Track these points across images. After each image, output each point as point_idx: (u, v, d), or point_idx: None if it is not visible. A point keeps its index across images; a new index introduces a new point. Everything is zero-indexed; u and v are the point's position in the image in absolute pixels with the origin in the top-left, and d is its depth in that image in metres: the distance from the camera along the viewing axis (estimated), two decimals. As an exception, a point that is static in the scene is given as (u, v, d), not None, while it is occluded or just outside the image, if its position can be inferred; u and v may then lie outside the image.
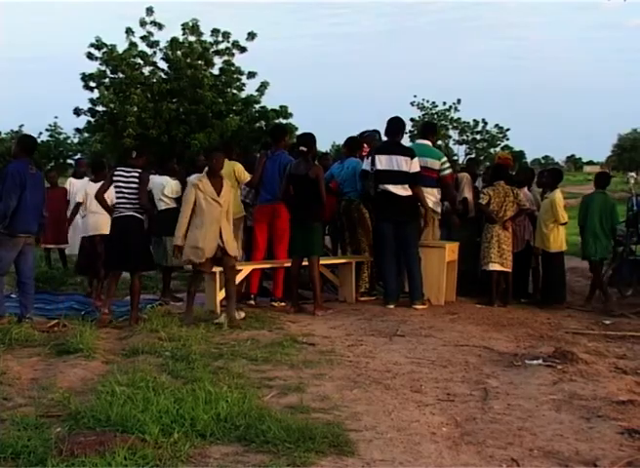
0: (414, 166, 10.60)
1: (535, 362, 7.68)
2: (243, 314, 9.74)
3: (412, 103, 61.86)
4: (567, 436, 5.65)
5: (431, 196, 10.97)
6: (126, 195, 9.47)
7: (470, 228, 11.53)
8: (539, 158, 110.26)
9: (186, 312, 9.54)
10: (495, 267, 10.84)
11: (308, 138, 10.64)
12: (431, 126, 12.44)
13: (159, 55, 32.20)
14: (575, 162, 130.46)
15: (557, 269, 11.47)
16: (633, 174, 13.85)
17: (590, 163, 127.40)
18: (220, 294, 10.02)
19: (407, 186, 10.59)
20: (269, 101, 34.29)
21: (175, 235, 9.47)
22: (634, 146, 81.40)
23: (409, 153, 10.71)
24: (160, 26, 31.64)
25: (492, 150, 62.92)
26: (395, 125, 11.05)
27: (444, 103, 61.48)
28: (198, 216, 9.38)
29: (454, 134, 64.11)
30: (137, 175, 9.49)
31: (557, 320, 10.16)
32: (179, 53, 31.71)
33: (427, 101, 61.86)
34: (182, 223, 9.40)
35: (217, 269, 10.01)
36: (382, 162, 10.64)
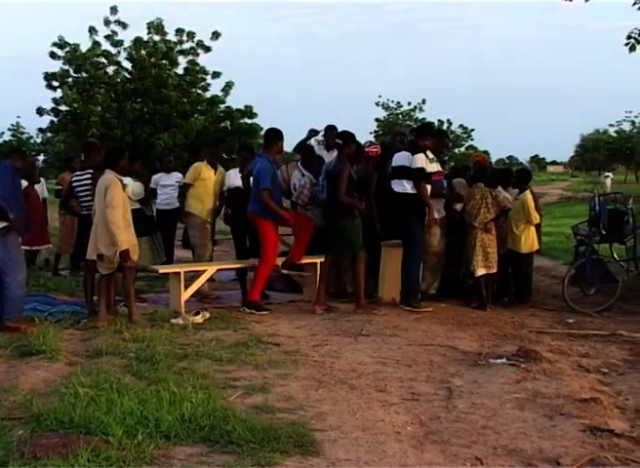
0: (415, 161, 10.43)
1: (499, 361, 7.72)
2: (208, 314, 9.70)
3: (377, 103, 62.05)
4: (530, 434, 5.69)
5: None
6: (86, 197, 9.70)
7: (452, 233, 11.41)
8: (503, 158, 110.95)
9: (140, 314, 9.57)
10: (482, 272, 10.82)
11: (346, 134, 10.59)
12: (424, 129, 11.92)
13: (123, 54, 32.10)
14: (538, 162, 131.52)
15: (526, 269, 11.58)
16: (610, 174, 13.98)
17: (554, 163, 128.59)
18: (185, 294, 9.99)
19: (405, 182, 10.47)
20: (234, 101, 34.26)
21: (122, 240, 9.18)
22: (596, 147, 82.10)
23: (412, 149, 10.59)
24: (124, 26, 31.53)
25: (456, 150, 63.19)
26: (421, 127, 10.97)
27: (409, 104, 61.68)
28: (125, 216, 9.32)
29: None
30: (89, 175, 9.74)
31: (521, 319, 10.22)
32: (143, 52, 31.62)
33: (392, 102, 62.05)
34: (122, 227, 9.24)
35: (180, 269, 9.99)
36: (396, 160, 10.64)
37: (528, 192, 11.55)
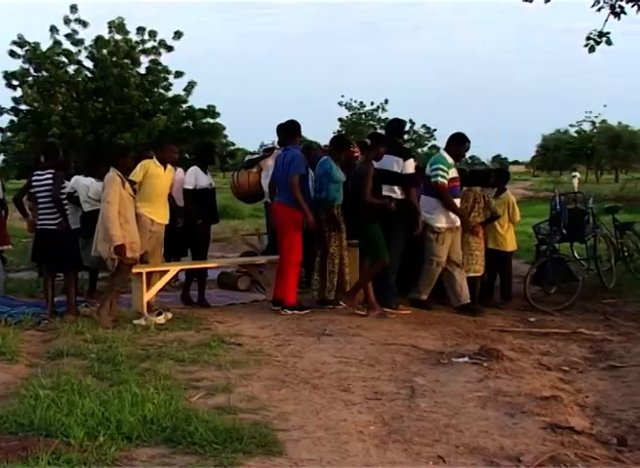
0: (407, 167, 10.30)
1: (461, 359, 7.77)
2: (170, 315, 9.65)
3: (340, 103, 62.17)
4: (492, 432, 5.73)
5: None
6: (45, 198, 9.66)
7: None
8: (465, 158, 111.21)
9: (108, 313, 9.44)
10: (469, 274, 10.84)
11: (375, 135, 10.56)
12: (455, 138, 11.59)
13: (84, 53, 31.83)
14: (501, 162, 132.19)
15: (509, 269, 11.72)
16: (577, 173, 14.08)
17: (516, 163, 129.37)
18: (147, 295, 9.93)
19: (396, 188, 10.34)
20: (197, 101, 34.19)
21: (115, 234, 9.17)
22: (557, 146, 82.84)
23: (402, 153, 10.46)
24: (85, 24, 31.32)
25: (419, 150, 63.41)
26: (393, 124, 10.91)
27: (372, 103, 61.86)
28: (122, 213, 9.31)
29: (382, 134, 64.29)
30: (50, 175, 9.68)
31: (483, 318, 10.27)
32: (104, 51, 31.45)
33: (355, 101, 62.19)
34: (116, 223, 9.23)
35: (143, 269, 9.92)
36: (384, 163, 10.41)
37: (509, 192, 11.69)
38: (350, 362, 7.68)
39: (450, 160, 10.66)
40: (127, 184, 9.56)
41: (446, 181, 10.51)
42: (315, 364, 7.58)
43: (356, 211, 10.14)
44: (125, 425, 5.40)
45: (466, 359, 7.77)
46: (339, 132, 59.61)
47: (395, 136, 10.89)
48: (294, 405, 6.25)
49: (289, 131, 10.82)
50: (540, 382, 7.15)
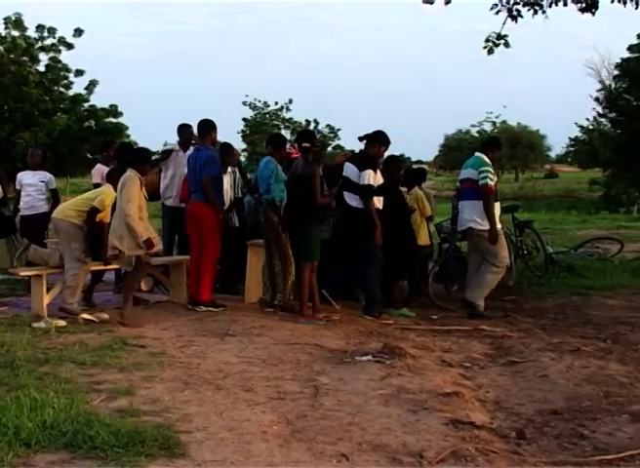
0: (362, 177, 10.19)
1: (364, 358, 7.82)
2: (106, 316, 9.58)
3: (244, 103, 61.82)
4: (395, 429, 5.78)
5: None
6: None
7: None
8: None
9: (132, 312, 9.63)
10: None
11: (310, 135, 10.48)
12: (493, 141, 11.69)
13: (-21, 50, 31.12)
14: (405, 161, 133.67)
15: (420, 264, 11.84)
16: None
17: (419, 162, 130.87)
18: (47, 298, 9.75)
19: (357, 197, 10.24)
20: (99, 100, 33.75)
21: (140, 231, 9.40)
22: (459, 146, 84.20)
23: (361, 164, 10.33)
24: (-22, 20, 30.59)
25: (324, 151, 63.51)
26: (371, 134, 10.62)
27: (276, 103, 61.70)
28: (139, 212, 9.51)
29: (286, 133, 64.36)
30: None
31: (386, 316, 10.35)
32: (1, 48, 30.73)
33: (259, 101, 61.95)
34: (137, 220, 9.46)
35: (41, 272, 9.73)
36: (346, 169, 10.45)
37: (417, 188, 11.90)
38: (254, 362, 7.67)
39: (489, 162, 10.70)
40: (144, 187, 9.72)
41: (493, 184, 10.57)
42: (218, 364, 7.54)
43: (296, 211, 10.08)
44: (23, 431, 5.28)
45: (369, 357, 7.83)
46: (243, 131, 59.44)
47: (368, 146, 10.59)
48: (197, 406, 6.21)
49: (201, 129, 10.83)
50: (442, 379, 7.25)
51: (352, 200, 10.28)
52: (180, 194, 11.59)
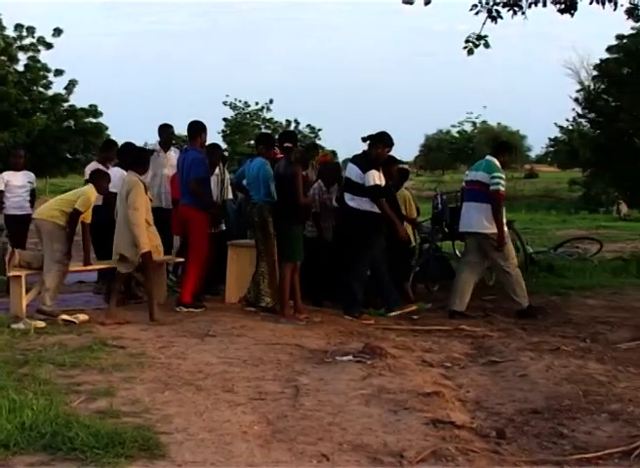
0: (368, 178, 10.10)
1: (345, 358, 7.82)
2: (87, 317, 9.56)
3: (224, 103, 61.68)
4: (375, 429, 5.79)
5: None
6: None
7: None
8: (349, 157, 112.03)
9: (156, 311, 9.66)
10: None
11: (292, 135, 10.46)
12: (505, 146, 11.82)
13: (-43, 49, 30.96)
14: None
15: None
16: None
17: (400, 162, 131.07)
18: (26, 299, 9.69)
19: (357, 198, 10.19)
20: (79, 100, 33.63)
21: (143, 242, 9.45)
22: (440, 146, 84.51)
23: (365, 164, 10.26)
24: (-43, 19, 30.44)
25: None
26: (375, 135, 10.56)
27: (256, 103, 61.61)
28: (146, 217, 9.59)
29: (267, 134, 64.23)
30: None
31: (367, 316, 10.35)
32: (-22, 47, 30.59)
33: (240, 101, 61.85)
34: (144, 230, 9.52)
35: (22, 273, 9.68)
36: (348, 170, 10.42)
37: (404, 189, 11.87)
38: (234, 362, 7.66)
39: (499, 166, 10.65)
40: (148, 192, 9.83)
41: (504, 190, 10.55)
42: (199, 365, 7.52)
43: (278, 211, 10.07)
44: (2, 433, 5.26)
45: (350, 357, 7.83)
46: (223, 131, 59.32)
47: (371, 146, 10.55)
48: (177, 407, 6.20)
49: (190, 131, 10.85)
50: (423, 379, 7.27)
51: (352, 200, 10.28)
52: (171, 192, 11.66)
